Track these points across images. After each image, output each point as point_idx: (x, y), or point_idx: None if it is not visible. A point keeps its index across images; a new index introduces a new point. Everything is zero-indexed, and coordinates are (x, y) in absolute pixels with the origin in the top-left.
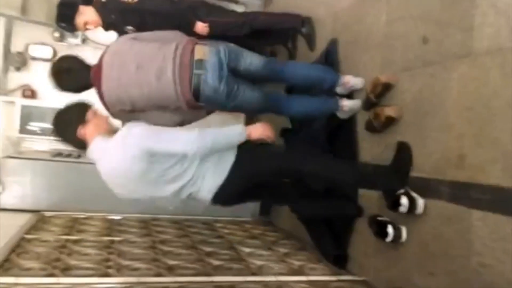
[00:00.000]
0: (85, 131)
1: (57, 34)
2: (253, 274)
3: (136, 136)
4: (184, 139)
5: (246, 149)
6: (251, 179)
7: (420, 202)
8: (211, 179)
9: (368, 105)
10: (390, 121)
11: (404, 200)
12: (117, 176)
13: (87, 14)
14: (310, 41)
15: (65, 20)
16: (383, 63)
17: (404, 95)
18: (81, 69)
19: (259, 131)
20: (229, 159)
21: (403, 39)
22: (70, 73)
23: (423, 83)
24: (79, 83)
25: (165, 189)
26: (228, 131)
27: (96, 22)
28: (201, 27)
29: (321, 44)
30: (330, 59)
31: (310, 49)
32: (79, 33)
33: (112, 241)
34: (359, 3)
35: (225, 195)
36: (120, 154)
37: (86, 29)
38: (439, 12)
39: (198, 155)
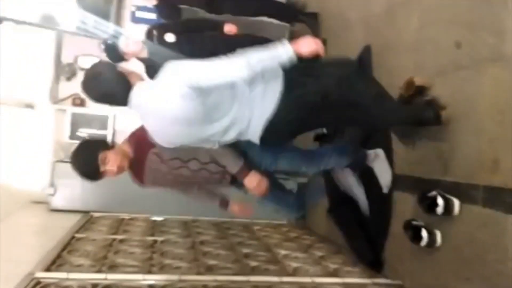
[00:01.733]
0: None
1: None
2: (289, 275)
3: (182, 73)
4: (232, 67)
5: (294, 73)
6: (301, 109)
7: (456, 202)
8: (259, 110)
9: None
10: (420, 90)
11: (440, 200)
12: (165, 117)
13: None
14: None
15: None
16: (415, 67)
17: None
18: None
19: (307, 44)
20: (276, 88)
21: (435, 43)
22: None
23: (456, 87)
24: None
25: (214, 126)
26: (275, 52)
27: None
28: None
29: (353, 50)
30: (363, 64)
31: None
32: None
33: (155, 241)
34: (391, 9)
35: (276, 130)
36: (167, 95)
37: None
38: (470, 16)
39: (247, 82)
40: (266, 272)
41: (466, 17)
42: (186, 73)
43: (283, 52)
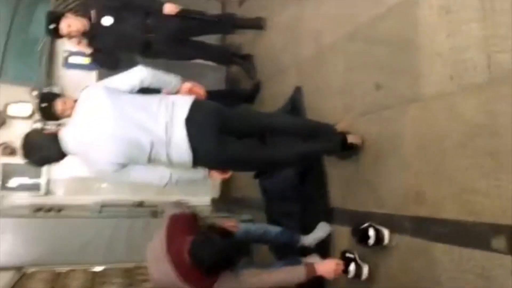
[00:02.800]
0: None
1: (35, 93)
2: None
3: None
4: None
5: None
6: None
7: (386, 232)
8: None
9: None
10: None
11: (371, 232)
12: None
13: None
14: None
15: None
16: (344, 108)
17: (365, 138)
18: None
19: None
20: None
21: (359, 86)
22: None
23: (381, 126)
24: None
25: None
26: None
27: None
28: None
29: (287, 91)
30: (295, 105)
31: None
32: None
33: None
34: (319, 54)
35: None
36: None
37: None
38: (390, 61)
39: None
40: None
41: (386, 62)
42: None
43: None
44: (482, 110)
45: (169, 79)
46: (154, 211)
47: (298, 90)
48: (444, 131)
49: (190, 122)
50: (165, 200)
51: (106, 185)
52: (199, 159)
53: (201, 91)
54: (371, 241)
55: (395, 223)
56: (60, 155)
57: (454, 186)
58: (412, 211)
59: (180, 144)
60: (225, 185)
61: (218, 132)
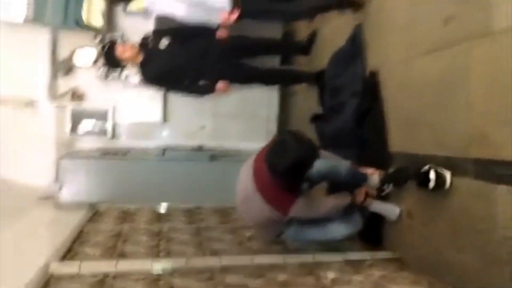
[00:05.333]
0: None
1: (97, 39)
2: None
3: None
4: None
5: None
6: None
7: (448, 175)
8: None
9: None
10: None
11: (432, 175)
12: None
13: None
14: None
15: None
16: (407, 45)
17: (429, 76)
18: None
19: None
20: None
21: (425, 21)
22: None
23: (447, 63)
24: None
25: None
26: None
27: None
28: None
29: (346, 31)
30: (356, 43)
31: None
32: None
33: (161, 229)
34: None
35: None
36: None
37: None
38: None
39: None
40: (269, 251)
41: None
42: None
43: None
44: None
45: None
46: (213, 155)
47: (358, 28)
48: None
49: None
50: (221, 144)
51: (166, 130)
52: None
53: None
54: (432, 184)
55: (458, 166)
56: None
57: None
58: (475, 153)
59: None
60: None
61: None
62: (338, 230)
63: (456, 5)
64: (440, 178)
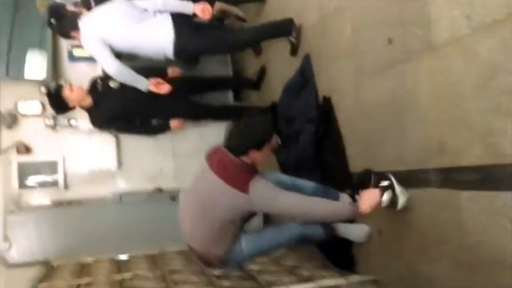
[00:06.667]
0: None
1: (43, 89)
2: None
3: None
4: None
5: None
6: None
7: (401, 199)
8: None
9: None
10: None
11: (385, 196)
12: None
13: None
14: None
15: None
16: (355, 69)
17: (380, 95)
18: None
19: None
20: None
21: (369, 43)
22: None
23: (395, 82)
24: None
25: None
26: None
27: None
28: None
29: (296, 61)
30: (305, 72)
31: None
32: None
33: (123, 279)
34: (323, 18)
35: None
36: None
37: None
38: (398, 13)
39: None
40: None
41: (395, 15)
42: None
43: None
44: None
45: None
46: (174, 196)
47: (306, 58)
48: (459, 76)
49: None
50: (182, 185)
51: (121, 175)
52: None
53: None
54: (384, 204)
55: (420, 178)
56: None
57: (475, 130)
58: (435, 163)
59: None
60: None
61: None
62: (295, 226)
63: (396, 26)
64: (394, 196)
